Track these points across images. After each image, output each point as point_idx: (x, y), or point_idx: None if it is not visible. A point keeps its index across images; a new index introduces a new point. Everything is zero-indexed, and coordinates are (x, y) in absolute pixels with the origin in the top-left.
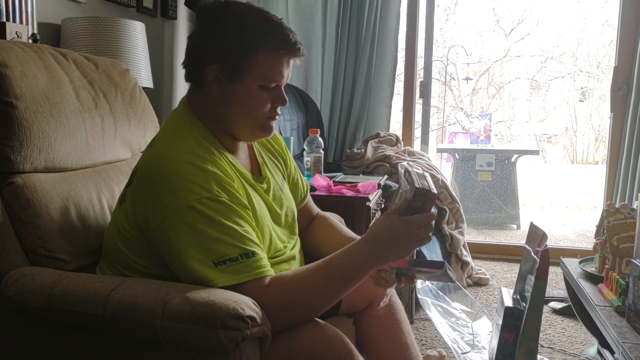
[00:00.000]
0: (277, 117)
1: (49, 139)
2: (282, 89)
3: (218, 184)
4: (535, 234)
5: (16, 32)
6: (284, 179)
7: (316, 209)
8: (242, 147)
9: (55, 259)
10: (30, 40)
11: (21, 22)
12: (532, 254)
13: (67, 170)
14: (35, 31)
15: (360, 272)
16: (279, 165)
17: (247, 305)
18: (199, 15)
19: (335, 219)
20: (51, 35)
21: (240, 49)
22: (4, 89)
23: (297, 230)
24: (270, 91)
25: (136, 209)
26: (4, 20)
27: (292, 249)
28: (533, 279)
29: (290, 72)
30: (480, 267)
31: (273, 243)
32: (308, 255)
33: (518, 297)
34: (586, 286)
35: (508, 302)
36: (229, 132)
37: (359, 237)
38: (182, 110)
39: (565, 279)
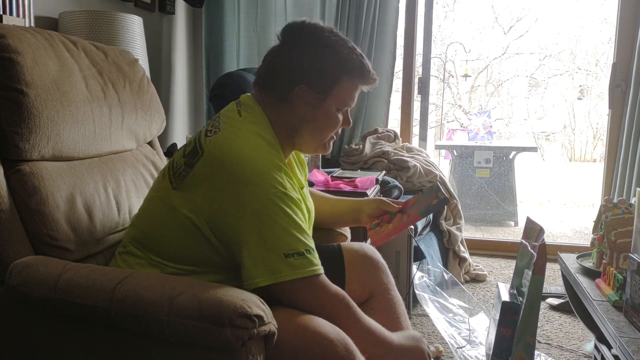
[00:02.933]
0: (336, 136)
1: (58, 128)
2: (349, 112)
3: (290, 181)
4: (532, 229)
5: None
6: (307, 187)
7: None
8: (289, 157)
9: (60, 248)
10: None
11: (18, 16)
12: (529, 248)
13: (74, 159)
14: (32, 25)
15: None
16: (302, 171)
17: (255, 304)
18: (290, 34)
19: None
20: (48, 28)
21: (331, 76)
22: (15, 76)
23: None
24: (340, 114)
25: (210, 198)
26: (1, 13)
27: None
28: (530, 273)
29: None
30: (478, 264)
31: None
32: None
33: (515, 291)
34: (583, 281)
35: (505, 297)
36: (295, 142)
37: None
38: (256, 108)
39: (562, 274)
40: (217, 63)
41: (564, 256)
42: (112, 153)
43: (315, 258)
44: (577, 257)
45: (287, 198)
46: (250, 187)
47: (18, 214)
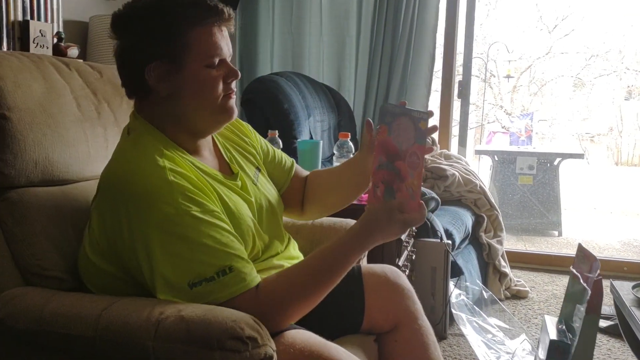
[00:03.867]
0: (233, 94)
1: (46, 151)
2: (229, 62)
3: (184, 196)
4: (585, 258)
5: (40, 31)
6: (258, 170)
7: (306, 172)
8: (206, 147)
9: (50, 278)
10: (55, 39)
11: (46, 20)
12: (581, 280)
13: (67, 182)
14: (61, 29)
15: (348, 263)
16: (249, 156)
17: (248, 324)
18: (114, 27)
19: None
20: (78, 33)
21: (168, 36)
22: None
23: (284, 234)
24: (217, 68)
25: (104, 229)
26: (28, 18)
27: (281, 257)
28: (583, 310)
29: (230, 44)
30: (519, 278)
31: (257, 241)
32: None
33: (564, 327)
34: None
35: (553, 334)
36: (191, 130)
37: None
38: (135, 120)
39: (615, 303)
40: (251, 67)
41: (618, 285)
42: None
43: (235, 276)
44: (633, 287)
45: (181, 219)
46: (135, 219)
47: (6, 244)
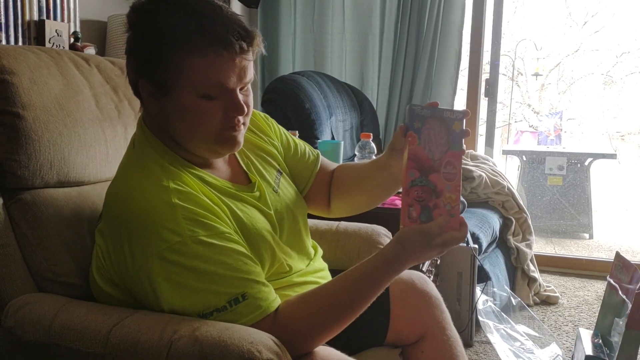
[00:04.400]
0: (239, 126)
1: (62, 151)
2: (237, 93)
3: (189, 221)
4: (624, 268)
5: (56, 30)
6: (279, 174)
7: (333, 165)
8: (219, 157)
9: (64, 284)
10: (71, 39)
11: (62, 20)
12: (620, 292)
13: (83, 184)
14: (77, 29)
15: (375, 293)
16: (269, 158)
17: (266, 346)
18: (128, 17)
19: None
20: (96, 33)
21: (159, 58)
22: (9, 98)
23: (307, 244)
24: (219, 99)
25: (108, 254)
26: (44, 17)
27: (304, 273)
28: (622, 324)
29: (249, 70)
30: (549, 283)
31: (277, 255)
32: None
33: (600, 341)
34: None
35: (588, 349)
36: (189, 148)
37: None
38: (140, 131)
39: None
40: (273, 66)
41: None
42: None
43: (249, 303)
44: None
45: (186, 247)
46: (138, 249)
47: (19, 248)
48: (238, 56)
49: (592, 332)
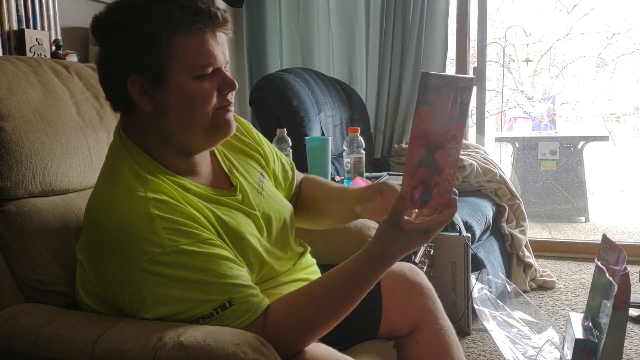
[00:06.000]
0: (230, 106)
1: (44, 161)
2: (224, 71)
3: (170, 230)
4: (610, 249)
5: (37, 39)
6: (263, 175)
7: (301, 176)
8: (201, 163)
9: (52, 293)
10: (53, 47)
11: (43, 28)
12: (607, 275)
13: (68, 192)
14: (59, 37)
15: (364, 291)
16: (250, 161)
17: (252, 347)
18: (93, 32)
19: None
20: (78, 40)
21: (150, 45)
22: None
23: (295, 242)
24: (209, 79)
25: (92, 269)
26: (23, 27)
27: (292, 271)
28: (609, 305)
29: (227, 51)
30: (545, 268)
31: (265, 258)
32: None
33: (590, 324)
34: None
35: (579, 332)
36: (181, 149)
37: (338, 187)
38: (119, 142)
39: None
40: (260, 64)
41: None
42: None
43: (236, 309)
44: None
45: (168, 257)
46: (119, 263)
47: (4, 259)
48: (220, 29)
49: (582, 315)
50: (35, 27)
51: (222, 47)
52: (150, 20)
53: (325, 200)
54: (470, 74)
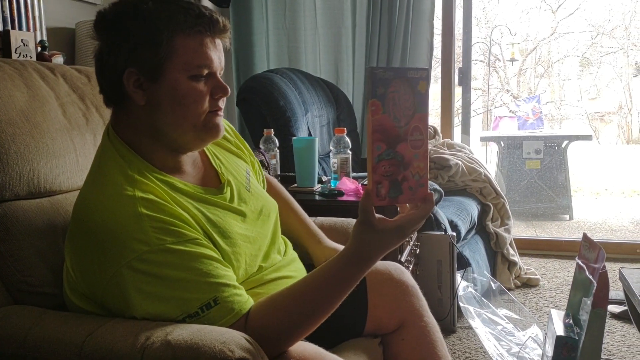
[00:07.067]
0: (221, 111)
1: (31, 163)
2: (219, 76)
3: (157, 229)
4: (590, 248)
5: (22, 40)
6: (249, 172)
7: (277, 188)
8: (189, 161)
9: (39, 294)
10: (38, 48)
11: (28, 29)
12: (587, 273)
13: (55, 193)
14: (44, 38)
15: (345, 291)
16: (237, 159)
17: (238, 345)
18: (96, 26)
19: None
20: (64, 40)
21: (151, 41)
22: None
23: (280, 239)
24: (204, 81)
25: (79, 268)
26: (9, 28)
27: (277, 268)
28: (589, 303)
29: (223, 58)
30: (530, 266)
31: (251, 256)
32: None
33: (571, 321)
34: None
35: (560, 329)
36: (170, 146)
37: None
38: (108, 142)
39: (625, 292)
40: (247, 64)
41: (627, 273)
42: None
43: (221, 308)
44: None
45: (155, 255)
46: (106, 261)
47: None
48: (219, 35)
49: (563, 312)
50: (20, 28)
51: (219, 53)
52: (153, 18)
53: (283, 221)
54: (456, 74)
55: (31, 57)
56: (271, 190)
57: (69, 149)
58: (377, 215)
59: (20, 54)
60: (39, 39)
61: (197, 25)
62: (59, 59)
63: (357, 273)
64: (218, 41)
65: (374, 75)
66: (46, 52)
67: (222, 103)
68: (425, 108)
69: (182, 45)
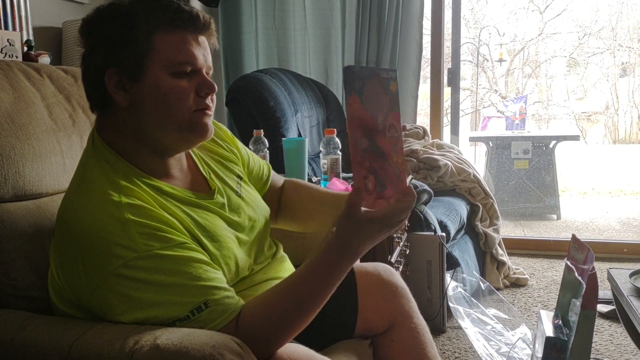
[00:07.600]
0: (209, 110)
1: (16, 165)
2: (204, 73)
3: (144, 235)
4: (578, 249)
5: (8, 40)
6: (240, 179)
7: (282, 179)
8: (178, 164)
9: (26, 298)
10: (24, 48)
11: (14, 29)
12: (576, 274)
13: (41, 196)
14: (31, 37)
15: (333, 284)
16: (229, 164)
17: (228, 349)
18: (80, 33)
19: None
20: (51, 40)
21: (128, 38)
22: None
23: (270, 244)
24: (188, 78)
25: (64, 275)
26: None
27: (267, 270)
28: (578, 304)
29: (209, 56)
30: (518, 266)
31: (242, 260)
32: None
33: (560, 322)
34: (638, 306)
35: (549, 330)
36: (156, 148)
37: (329, 191)
38: (91, 146)
39: (613, 292)
40: (236, 64)
41: (615, 273)
42: None
43: (212, 311)
44: (631, 276)
45: (143, 261)
46: (93, 269)
47: None
48: (202, 32)
49: (552, 313)
50: (6, 28)
51: (204, 50)
52: (131, 16)
53: (315, 204)
54: (445, 75)
55: (17, 57)
56: (296, 190)
57: (55, 151)
58: (362, 208)
59: (6, 53)
60: (25, 38)
61: (176, 20)
62: (45, 59)
63: (343, 263)
64: (202, 38)
65: (351, 72)
66: (32, 52)
67: (210, 101)
68: (397, 107)
69: (161, 41)
